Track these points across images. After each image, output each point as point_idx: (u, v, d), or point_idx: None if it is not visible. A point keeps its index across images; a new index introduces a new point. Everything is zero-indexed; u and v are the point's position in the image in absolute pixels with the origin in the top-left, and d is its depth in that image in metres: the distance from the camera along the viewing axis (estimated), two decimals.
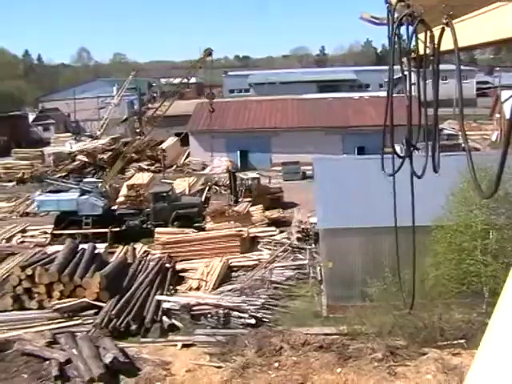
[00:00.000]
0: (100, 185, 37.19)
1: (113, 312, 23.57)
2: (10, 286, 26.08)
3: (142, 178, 43.58)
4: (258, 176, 44.98)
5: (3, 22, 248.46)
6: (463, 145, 55.82)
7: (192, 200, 38.44)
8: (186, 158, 61.09)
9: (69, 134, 74.68)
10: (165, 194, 36.05)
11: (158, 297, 25.31)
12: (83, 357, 20.40)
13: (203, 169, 56.96)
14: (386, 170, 6.46)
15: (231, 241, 30.63)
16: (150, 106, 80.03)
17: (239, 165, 56.74)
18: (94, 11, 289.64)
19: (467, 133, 6.30)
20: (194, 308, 24.12)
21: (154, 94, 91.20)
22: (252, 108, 58.85)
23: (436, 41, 5.06)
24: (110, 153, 57.52)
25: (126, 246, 32.96)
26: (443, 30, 4.89)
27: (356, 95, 68.55)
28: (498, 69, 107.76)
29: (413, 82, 5.81)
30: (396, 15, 5.28)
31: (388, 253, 24.39)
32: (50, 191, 37.20)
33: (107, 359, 20.04)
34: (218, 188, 47.77)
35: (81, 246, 29.63)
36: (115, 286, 25.93)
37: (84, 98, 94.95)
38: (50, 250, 31.51)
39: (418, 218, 6.62)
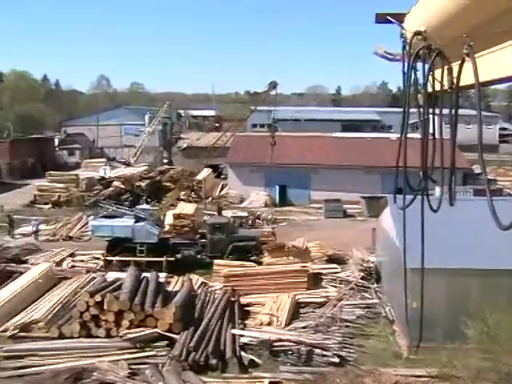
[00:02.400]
0: (155, 212, 36.52)
1: (190, 344, 22.77)
2: (76, 312, 25.29)
3: (187, 208, 42.92)
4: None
5: (25, 47, 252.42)
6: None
7: (250, 233, 37.81)
8: (221, 189, 60.67)
9: (101, 160, 74.54)
10: (223, 226, 35.47)
11: (234, 331, 24.51)
12: None
13: (241, 202, 56.47)
14: (398, 204, 6.37)
15: (297, 276, 29.91)
16: (181, 135, 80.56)
17: (277, 200, 56.32)
18: (112, 39, 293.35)
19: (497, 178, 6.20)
20: (275, 344, 23.30)
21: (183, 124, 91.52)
22: (290, 143, 58.41)
23: (456, 73, 4.77)
24: (147, 180, 57.16)
25: (181, 277, 32.27)
26: (463, 61, 4.57)
27: (393, 136, 68.36)
28: None
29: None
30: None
31: (475, 295, 24.05)
32: (104, 216, 36.61)
33: None
34: (260, 222, 47.19)
35: (143, 275, 29.00)
36: (186, 317, 25.17)
37: (108, 125, 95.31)
38: (109, 276, 30.83)
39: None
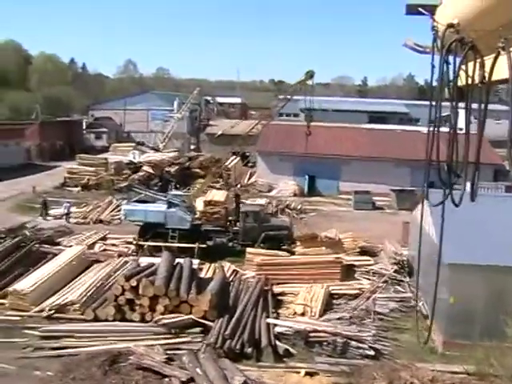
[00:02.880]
0: (187, 199, 36.51)
1: (226, 332, 22.76)
2: (112, 296, 25.39)
3: (217, 195, 42.90)
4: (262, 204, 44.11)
5: (54, 30, 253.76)
6: None
7: (282, 222, 37.75)
8: (249, 178, 60.63)
9: (129, 144, 74.77)
10: (255, 214, 35.44)
11: (269, 320, 24.47)
12: (209, 378, 19.57)
13: (269, 191, 56.42)
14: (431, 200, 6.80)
15: (331, 267, 29.82)
16: (210, 122, 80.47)
17: (306, 190, 56.18)
18: (137, 24, 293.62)
19: None
20: (310, 334, 23.24)
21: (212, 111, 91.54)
22: (321, 134, 58.13)
23: (489, 67, 4.58)
24: (176, 166, 57.26)
25: (213, 264, 32.30)
26: (498, 55, 4.37)
27: (424, 129, 67.87)
28: None
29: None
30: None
31: None
32: (137, 201, 36.69)
33: (237, 382, 19.16)
34: (290, 211, 47.10)
35: (177, 260, 29.04)
36: (221, 304, 25.17)
37: (135, 110, 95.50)
38: (142, 261, 30.93)
39: None
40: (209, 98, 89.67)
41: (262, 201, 48.57)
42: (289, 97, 37.76)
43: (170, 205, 35.29)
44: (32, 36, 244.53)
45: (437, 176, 6.17)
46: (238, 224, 35.86)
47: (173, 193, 38.70)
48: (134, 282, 25.19)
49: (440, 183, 6.41)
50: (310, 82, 37.35)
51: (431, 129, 6.04)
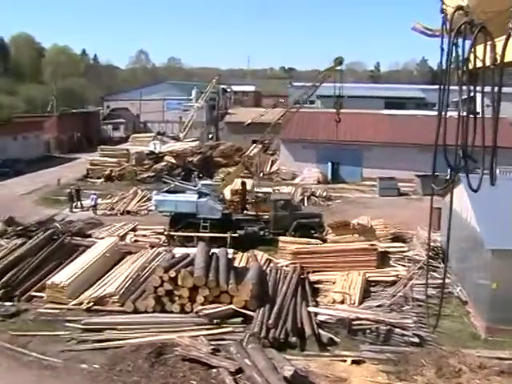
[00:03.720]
0: (217, 188, 36.47)
1: (269, 322, 22.74)
2: (151, 287, 25.41)
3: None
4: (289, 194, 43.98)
5: (65, 22, 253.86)
6: None
7: (313, 210, 37.70)
8: (271, 165, 60.58)
9: (149, 135, 74.88)
10: (286, 203, 35.44)
11: (310, 308, 24.46)
12: (258, 368, 19.54)
13: (293, 178, 56.37)
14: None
15: (366, 255, 29.74)
16: (229, 111, 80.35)
17: (330, 177, 56.07)
18: (147, 14, 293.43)
19: None
20: (353, 322, 23.20)
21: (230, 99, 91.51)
22: (342, 120, 58.03)
23: (500, 49, 4.44)
24: (198, 156, 57.25)
25: (245, 253, 32.30)
26: (509, 36, 4.22)
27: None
28: None
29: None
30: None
31: None
32: (167, 191, 36.68)
33: (287, 372, 19.07)
34: (316, 199, 47.02)
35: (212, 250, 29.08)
36: (260, 294, 25.15)
37: (150, 100, 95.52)
38: (176, 251, 30.95)
39: None
40: (225, 87, 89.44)
41: (287, 189, 48.48)
42: (318, 84, 37.56)
43: (201, 194, 35.24)
44: (44, 28, 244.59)
45: (455, 160, 6.13)
46: (244, 212, 36.30)
47: (203, 182, 38.64)
48: (172, 273, 25.17)
49: (457, 168, 6.35)
50: (339, 68, 37.15)
51: (443, 113, 5.97)
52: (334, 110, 39.06)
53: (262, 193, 42.01)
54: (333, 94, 38.18)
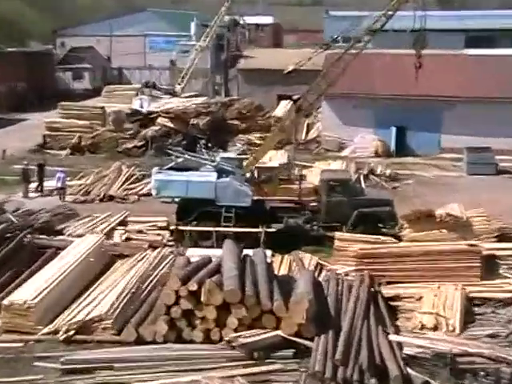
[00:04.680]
0: (244, 163, 35.96)
1: (336, 357, 22.43)
2: (162, 306, 25.06)
3: (276, 156, 42.64)
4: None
5: None
6: None
7: (381, 195, 37.37)
8: (307, 131, 60.34)
9: (131, 87, 74.69)
10: (343, 184, 35.03)
11: (392, 337, 24.15)
12: None
13: (340, 149, 56.14)
14: None
15: (465, 260, 29.39)
16: (244, 53, 79.85)
17: (393, 147, 55.75)
18: None
19: None
20: (459, 360, 22.83)
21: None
22: (406, 66, 57.49)
23: None
24: (206, 117, 56.88)
25: (286, 256, 32.14)
26: None
27: None
28: None
29: None
30: None
31: None
32: (173, 168, 36.26)
33: None
34: (376, 179, 46.82)
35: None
36: (319, 315, 24.85)
37: (126, 36, 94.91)
38: (190, 254, 30.65)
39: None
40: (237, 18, 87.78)
41: (337, 164, 48.11)
42: (391, 12, 37.03)
43: (221, 173, 34.83)
44: None
45: None
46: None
47: (223, 155, 38.23)
48: (193, 286, 24.76)
49: None
50: None
51: None
52: (403, 52, 38.48)
53: (264, 169, 40.18)
54: (389, 29, 37.65)
